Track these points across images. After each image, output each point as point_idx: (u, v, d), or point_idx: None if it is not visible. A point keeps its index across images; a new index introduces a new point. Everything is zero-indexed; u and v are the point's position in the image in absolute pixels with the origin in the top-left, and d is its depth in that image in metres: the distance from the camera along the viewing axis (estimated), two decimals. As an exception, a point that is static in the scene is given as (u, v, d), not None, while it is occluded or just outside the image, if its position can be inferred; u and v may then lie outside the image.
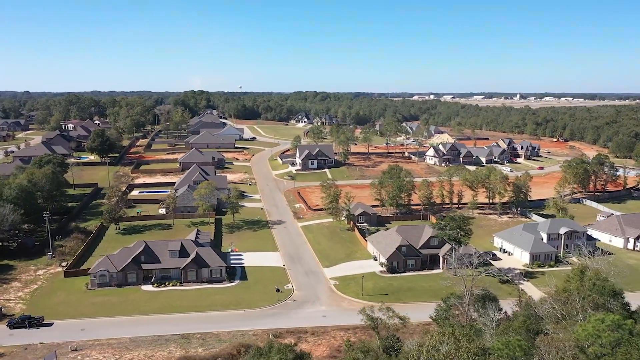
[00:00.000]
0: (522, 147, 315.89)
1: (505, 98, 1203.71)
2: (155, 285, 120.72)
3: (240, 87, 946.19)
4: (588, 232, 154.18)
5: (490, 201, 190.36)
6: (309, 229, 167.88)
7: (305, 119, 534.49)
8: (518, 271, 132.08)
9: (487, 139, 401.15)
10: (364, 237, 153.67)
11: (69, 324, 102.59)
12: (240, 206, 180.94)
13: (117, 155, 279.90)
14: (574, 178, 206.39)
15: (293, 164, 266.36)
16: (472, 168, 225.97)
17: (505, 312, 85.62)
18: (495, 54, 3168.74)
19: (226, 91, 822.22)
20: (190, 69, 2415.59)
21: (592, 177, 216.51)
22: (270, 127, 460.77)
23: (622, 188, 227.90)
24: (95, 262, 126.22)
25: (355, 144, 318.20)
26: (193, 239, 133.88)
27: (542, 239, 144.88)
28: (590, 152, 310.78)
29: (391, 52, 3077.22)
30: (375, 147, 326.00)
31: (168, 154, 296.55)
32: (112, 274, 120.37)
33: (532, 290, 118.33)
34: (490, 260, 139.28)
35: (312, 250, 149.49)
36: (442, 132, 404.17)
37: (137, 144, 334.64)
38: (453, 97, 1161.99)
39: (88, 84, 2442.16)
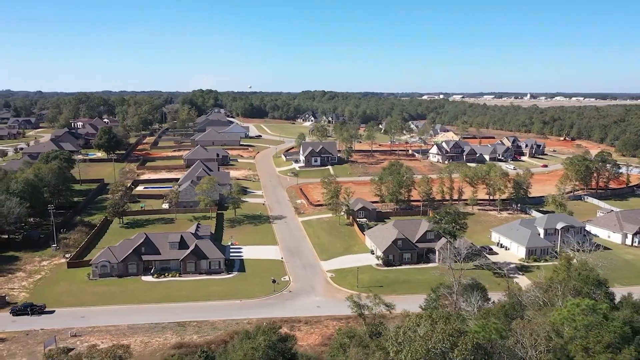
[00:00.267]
0: (526, 145, 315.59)
1: (516, 98, 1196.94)
2: (155, 276, 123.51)
3: (250, 87, 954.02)
4: (586, 228, 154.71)
5: (491, 197, 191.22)
6: (309, 224, 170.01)
7: (312, 118, 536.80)
8: (514, 265, 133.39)
9: (493, 138, 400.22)
10: (363, 231, 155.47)
11: (70, 311, 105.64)
12: (242, 201, 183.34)
13: (123, 152, 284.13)
14: (575, 175, 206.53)
15: (297, 161, 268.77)
16: (474, 166, 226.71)
17: (493, 301, 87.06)
18: (505, 54, 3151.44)
19: (236, 91, 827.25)
20: (200, 69, 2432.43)
21: (595, 175, 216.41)
22: (276, 126, 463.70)
23: (625, 186, 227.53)
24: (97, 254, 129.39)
25: (360, 142, 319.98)
26: (193, 232, 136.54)
27: (539, 234, 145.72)
28: (596, 151, 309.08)
29: (399, 52, 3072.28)
30: (380, 145, 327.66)
31: (174, 151, 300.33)
32: (113, 265, 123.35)
33: (526, 284, 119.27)
34: (487, 255, 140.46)
35: (311, 244, 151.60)
36: (447, 131, 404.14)
37: (144, 141, 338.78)
38: (463, 97, 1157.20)
39: (99, 84, 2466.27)
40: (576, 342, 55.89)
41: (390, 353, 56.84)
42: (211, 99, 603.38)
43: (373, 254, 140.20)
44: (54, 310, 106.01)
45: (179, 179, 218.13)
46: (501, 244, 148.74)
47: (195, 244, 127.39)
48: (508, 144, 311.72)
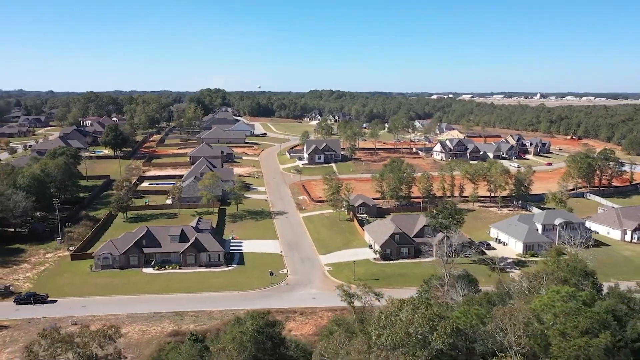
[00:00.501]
0: (531, 144, 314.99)
1: (525, 97, 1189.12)
2: (156, 268, 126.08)
3: (260, 87, 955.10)
4: (586, 224, 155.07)
5: (492, 194, 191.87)
6: (310, 219, 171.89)
7: (319, 117, 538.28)
8: (510, 260, 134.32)
9: (499, 137, 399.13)
10: (363, 227, 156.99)
11: (72, 301, 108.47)
12: (245, 197, 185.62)
13: (130, 149, 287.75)
14: (577, 172, 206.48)
15: (300, 159, 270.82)
16: (475, 163, 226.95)
17: (485, 292, 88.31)
18: (515, 54, 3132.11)
19: (245, 91, 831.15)
20: (211, 70, 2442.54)
21: (597, 172, 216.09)
22: (283, 124, 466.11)
23: (629, 183, 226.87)
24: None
25: (365, 140, 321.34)
26: (194, 226, 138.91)
27: (537, 230, 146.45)
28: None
29: (408, 53, 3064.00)
30: (384, 144, 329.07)
31: (180, 148, 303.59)
32: (115, 257, 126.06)
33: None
34: (485, 250, 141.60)
35: (310, 239, 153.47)
36: (453, 129, 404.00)
37: (151, 139, 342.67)
38: (472, 97, 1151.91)
39: (110, 84, 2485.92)
40: (554, 327, 57.14)
41: (372, 337, 58.49)
42: (219, 98, 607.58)
43: (371, 248, 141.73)
44: (56, 300, 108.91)
45: (183, 175, 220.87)
46: (499, 240, 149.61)
47: (196, 237, 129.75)
48: (512, 142, 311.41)
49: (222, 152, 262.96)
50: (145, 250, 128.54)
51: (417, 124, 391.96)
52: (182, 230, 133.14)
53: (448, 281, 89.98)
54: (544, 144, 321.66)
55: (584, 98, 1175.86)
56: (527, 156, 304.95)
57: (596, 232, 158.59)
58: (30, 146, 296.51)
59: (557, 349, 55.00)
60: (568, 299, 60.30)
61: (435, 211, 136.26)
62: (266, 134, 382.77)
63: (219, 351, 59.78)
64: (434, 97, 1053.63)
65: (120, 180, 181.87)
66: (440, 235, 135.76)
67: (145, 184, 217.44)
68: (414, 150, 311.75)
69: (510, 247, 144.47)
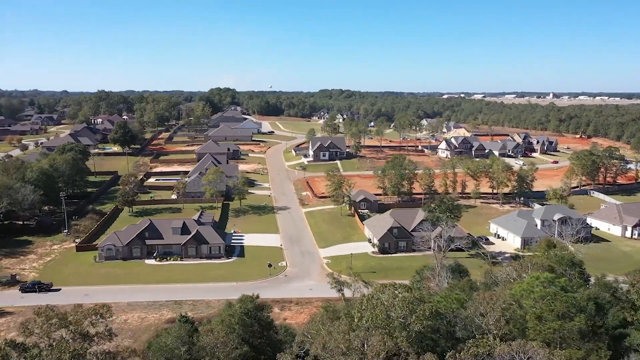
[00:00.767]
0: (537, 142, 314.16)
1: (538, 97, 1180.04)
2: (158, 259, 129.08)
3: (271, 87, 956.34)
4: (587, 220, 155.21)
5: (494, 191, 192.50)
6: (312, 214, 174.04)
7: (327, 116, 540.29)
8: (508, 255, 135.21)
9: (507, 135, 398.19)
10: (363, 222, 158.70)
11: (75, 290, 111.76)
12: (248, 192, 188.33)
13: (138, 146, 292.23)
14: (581, 170, 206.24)
15: (306, 156, 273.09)
16: (478, 160, 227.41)
17: (467, 279, 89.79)
18: (527, 53, 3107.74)
19: (256, 90, 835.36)
20: (222, 70, 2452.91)
21: (602, 170, 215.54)
22: (291, 123, 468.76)
23: (634, 181, 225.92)
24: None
25: (371, 138, 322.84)
26: (196, 219, 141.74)
27: (536, 225, 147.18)
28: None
29: (419, 53, 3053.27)
30: (390, 141, 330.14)
31: (187, 145, 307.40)
32: (119, 248, 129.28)
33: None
34: (483, 245, 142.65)
35: (311, 233, 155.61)
36: (460, 128, 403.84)
37: (160, 136, 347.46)
38: (484, 97, 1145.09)
39: (122, 83, 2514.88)
40: (531, 311, 58.65)
41: (355, 319, 60.42)
42: (228, 97, 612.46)
43: (370, 242, 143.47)
44: (60, 289, 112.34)
45: (189, 171, 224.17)
46: (498, 235, 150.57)
47: (197, 230, 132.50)
48: (519, 140, 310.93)
49: (229, 149, 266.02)
50: (148, 242, 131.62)
51: (424, 122, 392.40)
52: (184, 223, 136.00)
53: (439, 272, 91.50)
54: (550, 142, 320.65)
55: (597, 98, 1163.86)
56: (534, 154, 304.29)
57: (597, 229, 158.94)
58: (41, 143, 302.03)
59: (533, 331, 56.56)
60: (548, 285, 61.73)
61: (433, 205, 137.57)
62: (273, 132, 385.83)
63: (207, 332, 62.05)
64: (445, 96, 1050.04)
65: (127, 175, 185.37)
66: (438, 229, 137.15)
67: (152, 180, 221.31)
68: (420, 148, 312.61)
69: (509, 242, 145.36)
